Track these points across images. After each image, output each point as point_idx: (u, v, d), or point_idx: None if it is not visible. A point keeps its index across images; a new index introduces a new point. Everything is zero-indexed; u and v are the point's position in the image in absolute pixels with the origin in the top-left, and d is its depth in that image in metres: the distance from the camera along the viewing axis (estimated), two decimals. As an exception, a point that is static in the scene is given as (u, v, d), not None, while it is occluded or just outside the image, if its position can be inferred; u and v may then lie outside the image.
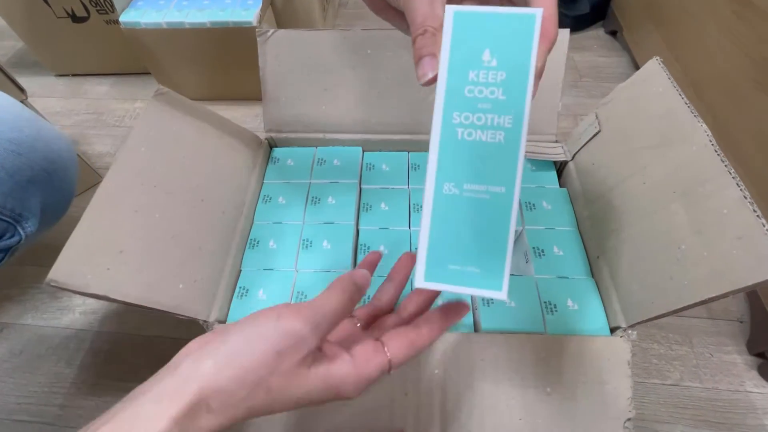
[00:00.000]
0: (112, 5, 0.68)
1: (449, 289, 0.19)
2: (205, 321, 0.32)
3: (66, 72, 0.84)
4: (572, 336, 0.31)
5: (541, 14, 0.18)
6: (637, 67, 0.77)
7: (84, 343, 0.50)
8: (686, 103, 0.30)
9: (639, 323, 0.29)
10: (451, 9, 0.18)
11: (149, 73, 0.75)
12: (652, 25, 0.71)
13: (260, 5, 0.64)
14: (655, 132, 0.32)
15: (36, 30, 0.75)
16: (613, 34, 0.86)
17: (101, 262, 0.28)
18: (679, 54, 0.62)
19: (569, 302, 0.33)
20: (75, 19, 0.74)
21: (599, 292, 0.34)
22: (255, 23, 0.63)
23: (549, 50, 0.19)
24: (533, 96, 0.18)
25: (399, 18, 0.23)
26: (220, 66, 0.70)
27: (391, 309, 0.26)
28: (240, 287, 0.36)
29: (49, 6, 0.71)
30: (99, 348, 0.49)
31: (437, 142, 0.19)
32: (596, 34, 0.87)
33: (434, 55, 0.19)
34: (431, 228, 0.19)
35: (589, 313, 0.33)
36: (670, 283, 0.27)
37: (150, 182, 0.33)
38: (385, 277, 0.27)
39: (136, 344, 0.49)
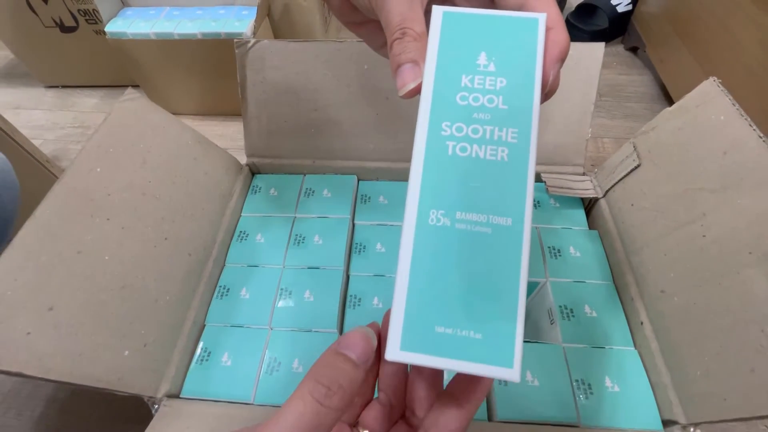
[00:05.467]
0: (99, 15, 0.65)
1: (435, 363, 0.14)
2: (151, 398, 0.26)
3: (55, 83, 0.81)
4: (614, 430, 0.24)
5: (544, 19, 0.16)
6: (661, 86, 0.73)
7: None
8: (761, 137, 0.24)
9: (705, 423, 0.23)
10: (439, 9, 0.16)
11: (143, 87, 0.72)
12: (679, 41, 0.66)
13: (255, 16, 0.60)
14: (718, 170, 0.26)
15: (23, 40, 0.72)
16: (633, 50, 0.82)
17: (20, 323, 0.22)
18: (712, 73, 0.57)
19: (607, 381, 0.27)
20: (63, 29, 0.71)
21: (645, 370, 0.27)
22: (249, 35, 0.59)
23: (560, 60, 0.16)
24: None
25: (370, 29, 0.19)
26: (213, 79, 0.66)
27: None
28: (201, 348, 0.29)
29: (37, 15, 0.68)
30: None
31: (421, 158, 0.15)
32: (615, 50, 0.83)
33: (416, 63, 0.16)
34: (411, 272, 0.15)
35: (635, 399, 0.26)
36: (752, 378, 0.20)
37: (101, 214, 0.27)
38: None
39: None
